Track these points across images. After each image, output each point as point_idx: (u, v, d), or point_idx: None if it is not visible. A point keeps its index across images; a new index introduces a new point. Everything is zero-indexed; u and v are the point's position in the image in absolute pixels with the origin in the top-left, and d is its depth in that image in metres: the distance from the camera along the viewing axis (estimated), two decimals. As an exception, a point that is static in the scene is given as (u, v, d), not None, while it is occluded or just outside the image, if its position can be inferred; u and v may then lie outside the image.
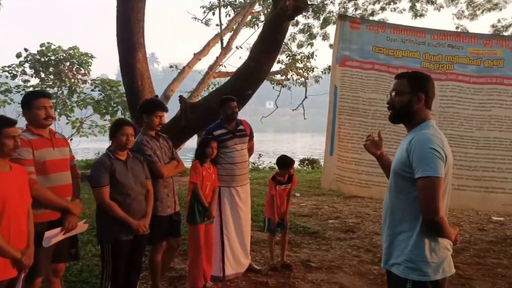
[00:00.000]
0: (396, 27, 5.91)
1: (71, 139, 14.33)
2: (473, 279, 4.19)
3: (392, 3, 14.41)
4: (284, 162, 4.60)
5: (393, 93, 2.18)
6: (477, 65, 5.52)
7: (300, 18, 14.49)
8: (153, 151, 3.56)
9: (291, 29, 14.58)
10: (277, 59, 12.99)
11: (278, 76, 13.58)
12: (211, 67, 11.58)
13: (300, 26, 14.27)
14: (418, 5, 14.38)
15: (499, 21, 14.65)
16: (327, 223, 6.25)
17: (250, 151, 4.52)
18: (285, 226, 4.61)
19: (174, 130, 7.20)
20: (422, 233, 2.00)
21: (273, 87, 13.34)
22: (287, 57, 12.94)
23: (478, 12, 14.21)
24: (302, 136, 40.17)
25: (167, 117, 8.69)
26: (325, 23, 13.90)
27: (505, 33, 13.61)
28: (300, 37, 14.28)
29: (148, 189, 3.38)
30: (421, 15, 14.57)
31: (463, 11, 14.43)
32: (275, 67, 12.82)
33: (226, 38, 12.36)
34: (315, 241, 5.41)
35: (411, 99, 2.12)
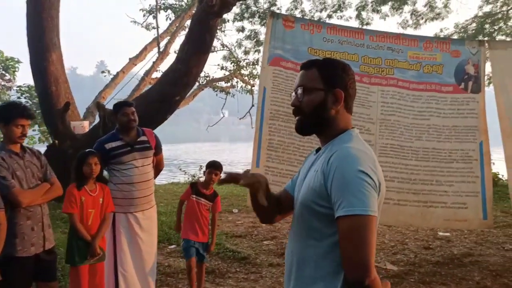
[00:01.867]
0: (333, 27, 5.43)
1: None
2: (416, 311, 3.64)
3: (338, 11, 14.34)
4: (213, 163, 3.93)
5: (299, 90, 1.48)
6: (416, 70, 5.19)
7: (246, 24, 14.08)
8: (11, 172, 2.74)
9: (238, 36, 14.09)
10: (221, 65, 12.40)
11: (223, 84, 12.93)
12: (147, 73, 10.77)
13: (247, 32, 13.85)
14: (364, 13, 14.40)
15: (441, 30, 14.92)
16: (261, 245, 5.58)
17: (158, 167, 3.77)
18: (203, 257, 3.89)
19: (94, 140, 6.40)
20: None
21: (217, 94, 12.70)
22: (231, 63, 12.33)
23: (421, 21, 14.43)
24: (257, 146, 39.53)
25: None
26: (272, 29, 13.48)
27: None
28: (247, 44, 13.83)
29: (-2, 222, 2.56)
30: (368, 24, 14.59)
31: (407, 20, 14.60)
32: (219, 73, 12.19)
33: (165, 43, 11.58)
34: (244, 268, 4.71)
35: (325, 98, 1.46)
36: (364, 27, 14.43)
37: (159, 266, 4.72)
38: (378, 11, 14.14)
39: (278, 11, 14.06)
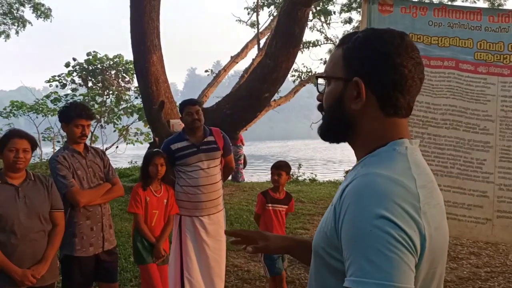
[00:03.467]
0: (441, 7, 4.60)
1: (117, 146, 14.34)
2: None
3: (464, -7, 12.70)
4: (276, 163, 3.62)
5: (320, 80, 1.06)
6: (556, 54, 4.10)
7: (354, 15, 13.29)
8: (71, 171, 2.74)
9: (344, 27, 13.41)
10: (324, 59, 11.85)
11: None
12: (246, 70, 10.79)
13: (355, 24, 13.09)
14: (496, -8, 12.50)
15: None
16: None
17: (227, 169, 3.53)
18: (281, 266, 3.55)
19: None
20: None
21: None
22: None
23: None
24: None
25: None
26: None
27: None
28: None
29: (55, 223, 2.55)
30: (500, 5, 12.62)
31: (553, -3, 12.26)
32: (322, 68, 11.67)
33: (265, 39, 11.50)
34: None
35: (342, 91, 0.98)
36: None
37: (237, 270, 4.54)
38: (514, -12, 12.15)
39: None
